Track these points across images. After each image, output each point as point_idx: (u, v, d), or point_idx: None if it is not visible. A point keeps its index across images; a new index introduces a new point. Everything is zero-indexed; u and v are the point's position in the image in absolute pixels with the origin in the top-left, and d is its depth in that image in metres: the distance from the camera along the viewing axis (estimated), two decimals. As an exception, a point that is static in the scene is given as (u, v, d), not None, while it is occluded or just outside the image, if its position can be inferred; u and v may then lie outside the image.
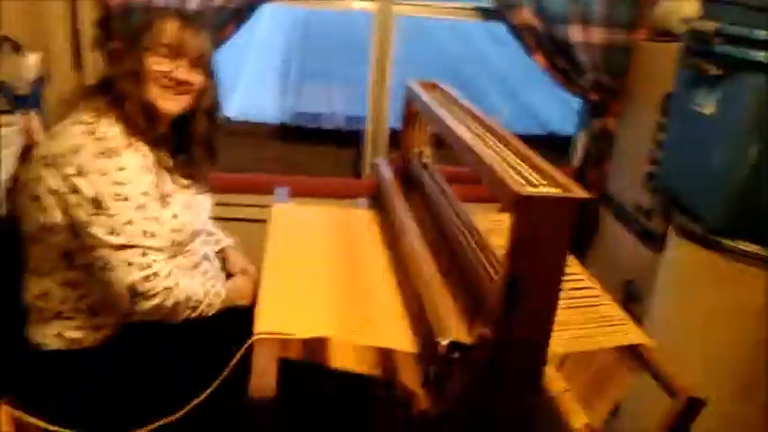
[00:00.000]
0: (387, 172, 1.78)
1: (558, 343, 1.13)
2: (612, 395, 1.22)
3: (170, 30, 1.33)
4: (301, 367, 1.15)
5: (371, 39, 2.38)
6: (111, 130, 1.26)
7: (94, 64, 2.12)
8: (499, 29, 2.33)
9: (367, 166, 2.55)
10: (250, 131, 2.88)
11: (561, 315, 0.99)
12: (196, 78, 1.38)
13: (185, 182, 1.43)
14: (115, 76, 1.33)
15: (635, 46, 2.22)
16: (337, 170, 2.73)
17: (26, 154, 1.77)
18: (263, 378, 1.04)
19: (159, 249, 1.27)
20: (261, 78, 4.59)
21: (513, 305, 0.91)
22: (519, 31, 2.22)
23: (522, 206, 0.87)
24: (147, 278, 1.23)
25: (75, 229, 1.24)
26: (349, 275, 1.38)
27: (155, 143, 1.34)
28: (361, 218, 1.72)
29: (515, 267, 0.89)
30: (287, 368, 1.08)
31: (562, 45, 2.23)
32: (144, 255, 1.23)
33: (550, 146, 2.79)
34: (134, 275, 1.22)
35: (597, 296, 1.35)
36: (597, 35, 2.22)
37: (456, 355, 0.98)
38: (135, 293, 1.23)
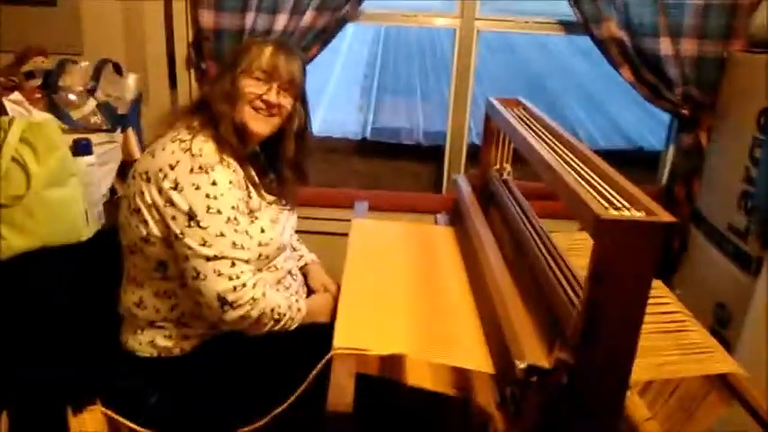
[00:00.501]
0: (466, 188, 1.78)
1: (642, 370, 1.09)
2: (700, 425, 1.17)
3: (265, 54, 1.39)
4: (378, 383, 1.16)
5: (453, 54, 2.38)
6: (205, 146, 1.32)
7: (188, 83, 2.23)
8: (584, 41, 2.29)
9: (447, 181, 2.55)
10: (332, 147, 2.94)
11: (646, 340, 0.95)
12: (286, 101, 1.43)
13: (272, 198, 1.49)
14: (210, 96, 1.40)
15: (729, 58, 2.12)
16: (417, 185, 2.74)
17: (124, 170, 1.88)
18: (341, 393, 1.06)
19: (247, 261, 1.32)
20: (342, 94, 4.67)
21: (593, 331, 0.89)
22: (605, 45, 2.17)
23: (604, 230, 0.85)
24: (235, 288, 1.28)
25: (170, 240, 1.31)
26: (427, 292, 1.39)
27: (245, 160, 1.40)
28: (440, 234, 1.72)
29: (596, 293, 0.87)
30: (364, 383, 1.10)
31: (650, 58, 2.16)
32: (233, 265, 1.28)
33: (637, 162, 2.71)
34: (223, 285, 1.28)
35: (685, 321, 1.30)
36: (688, 47, 2.14)
37: (534, 378, 0.96)
38: (224, 302, 1.28)
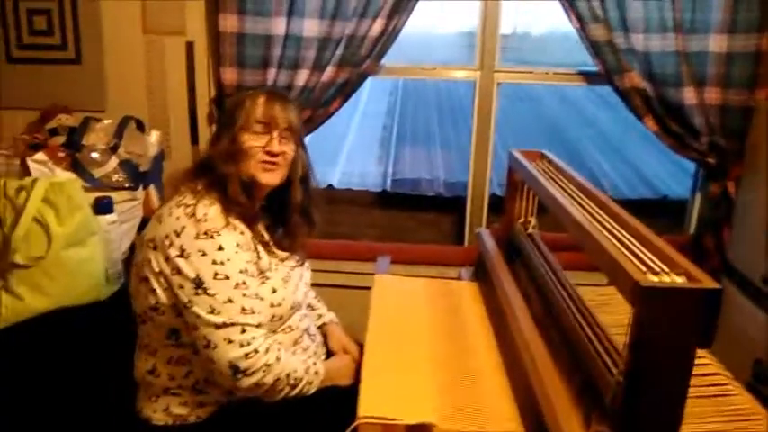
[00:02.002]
0: (491, 243, 1.74)
1: (684, 438, 1.03)
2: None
3: (260, 105, 1.38)
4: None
5: (473, 106, 2.38)
6: (211, 210, 1.29)
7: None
8: (605, 91, 2.27)
9: (469, 233, 2.52)
10: (352, 199, 2.93)
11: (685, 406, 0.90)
12: (288, 148, 1.41)
13: (283, 255, 1.46)
14: (213, 158, 1.37)
15: (755, 106, 2.09)
16: (438, 236, 2.71)
17: (145, 227, 1.87)
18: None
19: (259, 325, 1.28)
20: (362, 146, 4.70)
21: (635, 403, 0.84)
22: (628, 95, 2.15)
23: (644, 297, 0.80)
24: (247, 355, 1.24)
25: (179, 309, 1.28)
26: (454, 355, 1.34)
27: (252, 219, 1.38)
28: (465, 291, 1.68)
29: (638, 363, 0.82)
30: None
31: (674, 108, 2.13)
32: (243, 332, 1.25)
33: (662, 211, 2.66)
34: (235, 353, 1.24)
35: (726, 384, 1.23)
36: (713, 96, 2.11)
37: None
38: (236, 370, 1.24)
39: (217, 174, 1.34)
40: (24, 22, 2.19)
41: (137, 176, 1.95)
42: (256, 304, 1.28)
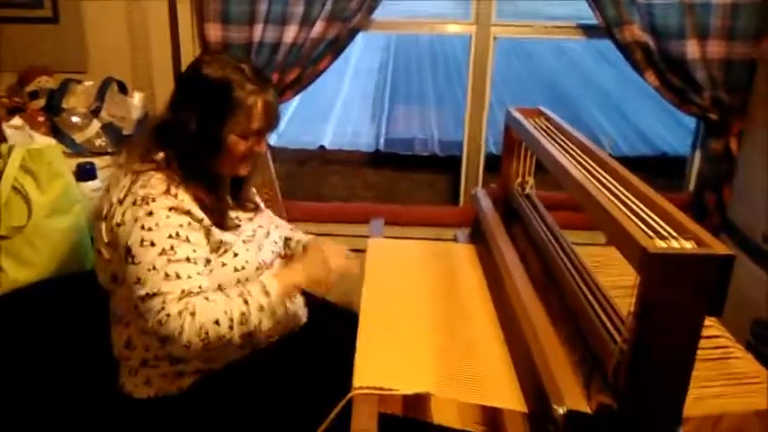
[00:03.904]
0: (487, 204, 1.70)
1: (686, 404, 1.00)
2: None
3: (259, 115, 1.29)
4: (402, 423, 1.08)
5: (469, 62, 2.31)
6: (155, 176, 1.25)
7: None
8: (603, 44, 2.20)
9: (464, 193, 2.47)
10: (344, 160, 2.88)
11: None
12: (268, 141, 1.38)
13: (248, 215, 1.42)
14: (193, 151, 1.28)
15: (760, 59, 2.03)
16: (433, 196, 2.67)
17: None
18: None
19: (185, 294, 1.19)
20: (353, 105, 4.60)
21: (640, 374, 0.81)
22: (628, 49, 2.08)
23: (652, 265, 0.76)
24: (160, 322, 1.17)
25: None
26: (451, 322, 1.30)
27: (218, 193, 1.33)
28: (461, 254, 1.64)
29: (644, 333, 0.78)
30: (387, 424, 1.02)
31: (676, 62, 2.07)
32: (163, 301, 1.18)
33: (662, 168, 2.61)
34: (151, 323, 1.18)
35: (729, 347, 1.20)
36: (716, 49, 2.05)
37: (573, 424, 0.88)
38: (161, 338, 1.19)
39: (191, 165, 1.28)
40: (-4, -21, 2.10)
41: (120, 140, 1.89)
42: (185, 268, 1.20)
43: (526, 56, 6.71)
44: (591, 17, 2.11)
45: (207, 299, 1.21)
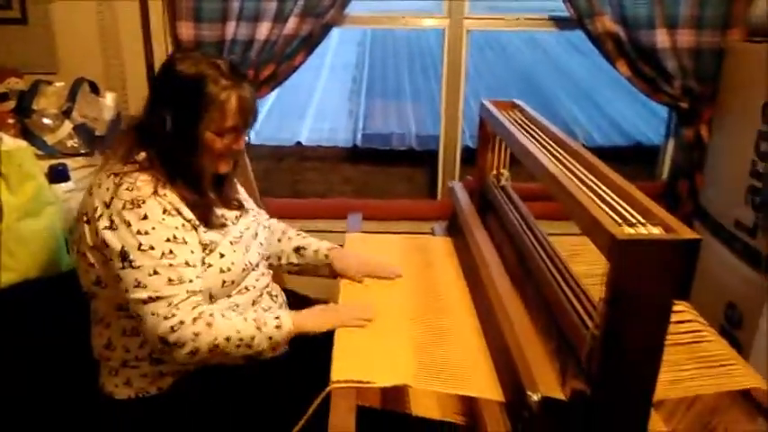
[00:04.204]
0: (464, 197, 1.71)
1: (658, 387, 1.02)
2: (722, 442, 1.10)
3: (232, 109, 1.26)
4: (381, 416, 1.09)
5: (443, 55, 2.31)
6: (140, 178, 1.23)
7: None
8: (574, 35, 2.22)
9: (442, 186, 2.48)
10: (321, 155, 2.87)
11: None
12: (246, 136, 1.35)
13: (235, 213, 1.40)
14: (171, 149, 1.27)
15: (728, 48, 2.06)
16: (412, 190, 2.67)
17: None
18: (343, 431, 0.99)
19: (190, 294, 1.21)
20: (330, 101, 4.59)
21: (611, 359, 0.82)
22: (600, 40, 2.10)
23: (621, 251, 0.77)
24: (173, 328, 1.18)
25: (111, 284, 1.24)
26: (428, 313, 1.32)
27: (202, 195, 1.32)
28: (438, 247, 1.65)
29: (614, 318, 0.80)
30: (365, 417, 1.03)
31: (647, 51, 2.09)
32: (169, 305, 1.19)
33: (635, 157, 2.64)
34: (162, 327, 1.18)
35: (701, 331, 1.23)
36: (685, 38, 2.08)
37: (548, 410, 0.89)
38: (166, 343, 1.19)
39: (171, 163, 1.27)
40: (-38, -20, 2.06)
41: (93, 141, 1.87)
42: (185, 273, 1.22)
43: (500, 48, 6.73)
44: (563, 9, 2.13)
45: (223, 315, 1.25)
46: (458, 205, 1.69)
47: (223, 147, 1.29)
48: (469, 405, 1.10)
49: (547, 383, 0.93)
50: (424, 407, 1.09)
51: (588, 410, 0.86)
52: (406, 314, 1.31)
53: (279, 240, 1.58)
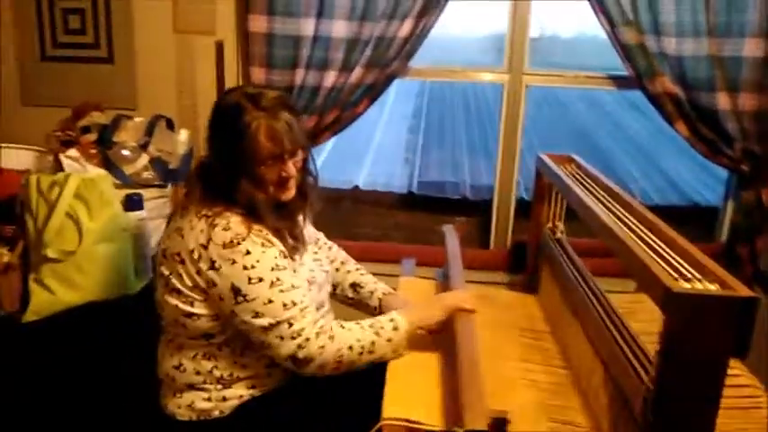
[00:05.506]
0: (452, 241, 1.74)
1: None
2: None
3: (263, 140, 1.27)
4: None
5: (501, 109, 2.36)
6: (232, 218, 1.29)
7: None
8: (636, 95, 2.23)
9: (494, 236, 2.50)
10: (377, 200, 2.93)
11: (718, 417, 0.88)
12: (299, 160, 1.37)
13: (306, 248, 1.45)
14: (236, 189, 1.30)
15: (791, 112, 2.04)
16: (464, 240, 2.69)
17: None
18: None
19: (306, 314, 1.27)
20: (388, 147, 4.69)
21: (664, 413, 0.83)
22: (659, 100, 2.11)
23: (676, 304, 0.79)
24: (300, 346, 1.26)
25: (223, 319, 1.30)
26: (481, 360, 1.33)
27: (283, 225, 1.36)
28: (492, 295, 1.67)
29: (668, 372, 0.81)
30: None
31: (707, 113, 2.08)
32: (291, 326, 1.26)
33: (692, 218, 2.61)
34: (289, 348, 1.25)
35: (759, 396, 1.21)
36: (747, 102, 2.06)
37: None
38: (296, 361, 1.26)
39: (244, 201, 1.31)
40: (59, 22, 2.23)
41: (166, 174, 1.97)
42: (295, 295, 1.28)
43: (558, 105, 6.77)
44: (622, 68, 2.15)
45: (342, 326, 1.32)
46: (447, 249, 1.71)
47: (274, 175, 1.32)
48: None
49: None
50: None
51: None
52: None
53: (337, 270, 1.62)
